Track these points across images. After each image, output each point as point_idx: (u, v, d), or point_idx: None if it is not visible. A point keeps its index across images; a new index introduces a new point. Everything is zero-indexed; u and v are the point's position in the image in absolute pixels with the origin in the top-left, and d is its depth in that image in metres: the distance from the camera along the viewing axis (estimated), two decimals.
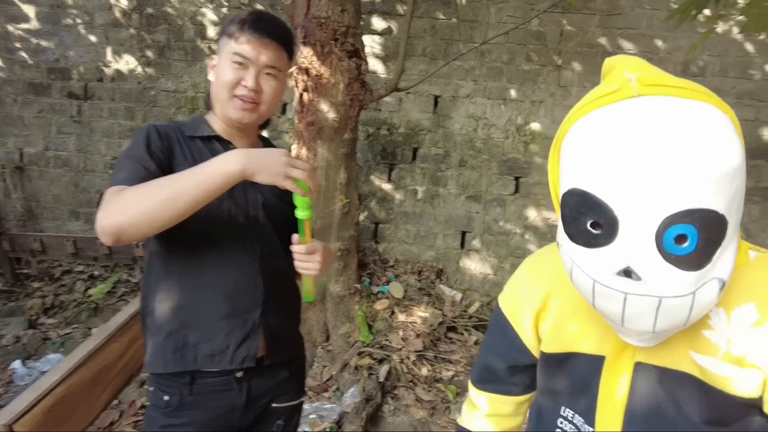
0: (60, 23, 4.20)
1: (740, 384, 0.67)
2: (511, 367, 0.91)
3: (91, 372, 1.90)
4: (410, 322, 3.26)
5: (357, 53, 2.97)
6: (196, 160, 1.13)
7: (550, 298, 0.84)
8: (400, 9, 3.88)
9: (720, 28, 3.61)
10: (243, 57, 1.12)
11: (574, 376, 0.80)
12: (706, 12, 3.47)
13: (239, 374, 1.16)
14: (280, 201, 1.20)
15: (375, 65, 3.92)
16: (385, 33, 3.93)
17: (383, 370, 2.86)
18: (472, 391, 0.97)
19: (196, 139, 1.18)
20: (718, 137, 0.59)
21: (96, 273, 4.02)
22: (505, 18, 3.78)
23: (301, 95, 2.97)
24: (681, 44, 3.64)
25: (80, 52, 4.22)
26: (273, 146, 1.34)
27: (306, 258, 1.12)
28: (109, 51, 4.19)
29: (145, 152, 1.08)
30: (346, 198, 3.07)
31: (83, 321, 3.53)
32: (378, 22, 3.93)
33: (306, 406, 2.77)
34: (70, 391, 1.74)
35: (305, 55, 2.91)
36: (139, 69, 4.18)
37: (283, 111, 4.03)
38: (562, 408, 0.83)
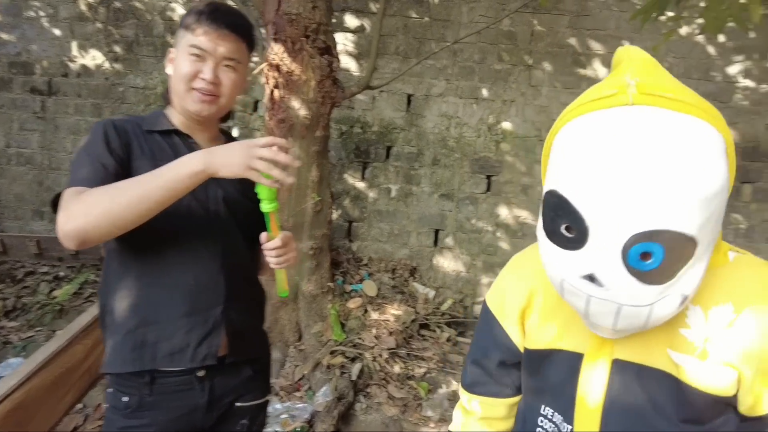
0: (22, 15, 4.06)
1: (715, 382, 0.68)
2: (501, 367, 0.91)
3: (53, 375, 1.85)
4: (383, 320, 3.26)
5: (329, 50, 2.95)
6: (155, 155, 1.12)
7: (534, 294, 0.85)
8: (373, 7, 3.88)
9: (683, 30, 3.71)
10: (200, 49, 1.11)
11: (554, 374, 0.81)
12: (670, 14, 3.57)
13: (201, 373, 1.14)
14: (242, 196, 1.19)
15: (348, 63, 3.91)
16: (358, 31, 3.92)
17: (356, 368, 2.85)
18: (464, 395, 0.96)
19: (154, 133, 1.15)
20: (703, 160, 0.58)
21: (61, 274, 3.90)
22: (477, 17, 3.81)
23: (272, 92, 2.94)
24: (647, 45, 3.72)
25: (44, 46, 4.09)
26: (234, 138, 1.33)
27: (279, 252, 1.11)
28: (74, 45, 4.08)
29: (104, 149, 1.06)
30: (318, 196, 3.05)
31: (47, 323, 3.42)
32: (351, 20, 3.91)
33: (277, 406, 2.75)
34: (29, 396, 1.69)
35: (276, 51, 2.88)
36: (107, 64, 4.08)
37: (255, 108, 3.98)
38: (543, 407, 0.83)
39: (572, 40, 3.82)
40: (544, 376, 0.83)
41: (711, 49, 3.75)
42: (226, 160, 0.95)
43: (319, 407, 2.58)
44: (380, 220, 4.02)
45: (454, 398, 2.85)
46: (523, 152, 3.89)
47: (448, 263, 4.00)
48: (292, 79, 2.88)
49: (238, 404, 1.22)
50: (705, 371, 0.68)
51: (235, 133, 3.92)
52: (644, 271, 0.60)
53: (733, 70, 3.76)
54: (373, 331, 3.17)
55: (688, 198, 0.57)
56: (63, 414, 1.91)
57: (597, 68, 3.82)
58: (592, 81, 3.82)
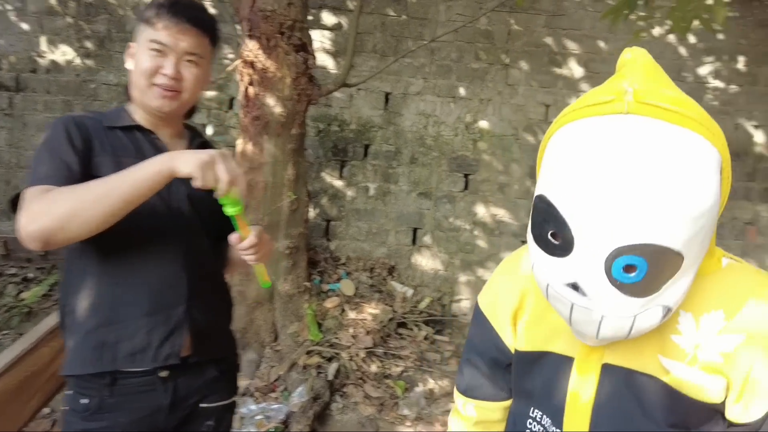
0: None
1: (705, 389, 0.68)
2: (495, 368, 0.89)
3: (17, 379, 1.79)
4: (360, 320, 3.24)
5: (304, 47, 2.93)
6: (116, 152, 1.09)
7: (526, 296, 0.84)
8: (350, 4, 3.86)
9: (656, 31, 3.77)
10: (161, 44, 1.08)
11: (544, 377, 0.81)
12: (642, 13, 3.63)
13: (164, 374, 1.12)
14: (207, 193, 1.16)
15: (325, 61, 3.88)
16: (335, 28, 3.90)
17: (332, 368, 2.83)
18: (459, 399, 0.95)
19: (116, 129, 1.12)
20: (694, 176, 0.58)
21: (30, 275, 3.80)
22: (455, 16, 3.82)
23: (246, 89, 2.91)
24: (622, 45, 3.77)
25: (11, 41, 3.98)
26: (199, 134, 1.31)
27: (254, 249, 1.09)
28: (43, 40, 3.97)
29: (66, 146, 1.03)
30: (294, 194, 3.02)
31: (14, 327, 3.33)
32: (328, 18, 3.89)
33: (253, 407, 2.72)
34: None
35: (250, 48, 2.85)
36: (78, 60, 3.98)
37: (231, 106, 3.93)
38: (532, 409, 0.82)
39: (548, 40, 3.85)
40: (534, 379, 0.82)
41: (682, 51, 3.82)
42: (190, 160, 0.94)
43: (295, 408, 2.56)
44: (358, 219, 4.01)
45: (430, 396, 2.85)
46: (500, 151, 3.91)
47: (426, 262, 4.00)
48: (267, 76, 2.85)
49: (202, 405, 1.20)
50: (695, 378, 0.68)
51: (209, 131, 3.87)
52: (627, 283, 0.60)
53: (703, 71, 3.83)
54: (351, 330, 3.15)
55: (675, 214, 0.57)
56: (28, 419, 1.86)
57: (573, 68, 3.86)
58: (568, 80, 3.86)
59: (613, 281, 0.60)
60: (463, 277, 3.97)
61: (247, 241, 1.08)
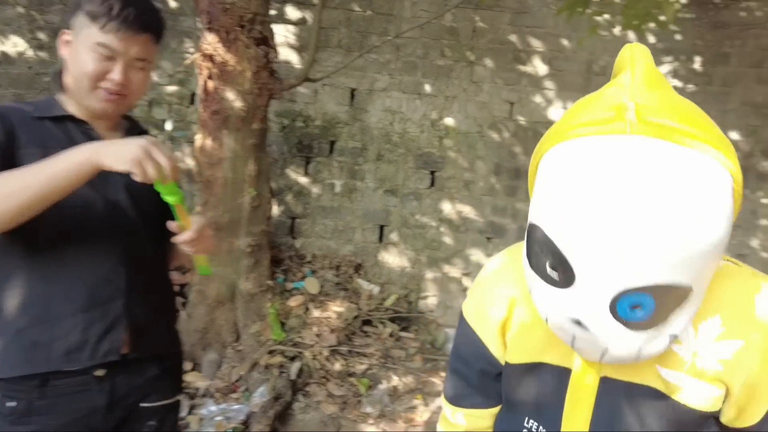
0: None
1: (703, 398, 0.67)
2: (484, 377, 0.86)
3: None
4: (325, 318, 3.21)
5: (265, 41, 2.87)
6: (45, 143, 1.03)
7: (515, 305, 0.79)
8: None
9: (617, 30, 3.83)
10: (110, 49, 1.02)
11: (540, 388, 0.78)
12: (607, 17, 3.69)
13: (100, 372, 1.06)
14: (145, 184, 1.11)
15: (289, 55, 3.83)
16: (300, 23, 3.84)
17: (294, 367, 2.79)
18: (447, 408, 0.91)
19: (45, 120, 1.06)
20: (707, 207, 0.53)
21: None
22: (419, 12, 3.81)
23: (205, 83, 2.83)
24: (585, 44, 3.83)
25: None
26: (137, 123, 1.25)
27: (194, 242, 1.05)
28: None
29: None
30: (255, 191, 2.96)
31: None
32: (292, 12, 3.83)
33: (213, 408, 2.66)
34: None
35: (210, 41, 2.78)
36: (30, 52, 3.82)
37: (192, 101, 3.84)
38: (526, 419, 0.80)
39: (513, 37, 3.88)
40: (528, 390, 0.79)
41: None
42: (117, 156, 0.89)
43: (255, 408, 2.51)
44: (324, 216, 3.96)
45: (394, 394, 2.83)
46: (466, 148, 3.92)
47: (393, 259, 3.98)
48: (226, 70, 2.78)
49: (143, 405, 1.15)
50: (694, 388, 0.67)
51: (168, 126, 3.77)
52: (633, 321, 0.58)
53: (662, 70, 3.92)
54: (314, 329, 3.11)
55: (687, 250, 0.53)
56: None
57: (537, 65, 3.89)
58: (532, 78, 3.89)
59: (619, 318, 0.58)
60: (429, 274, 3.97)
61: (186, 234, 1.04)
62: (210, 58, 2.78)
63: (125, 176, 1.10)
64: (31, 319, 1.02)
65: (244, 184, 2.93)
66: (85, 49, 1.02)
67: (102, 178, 1.07)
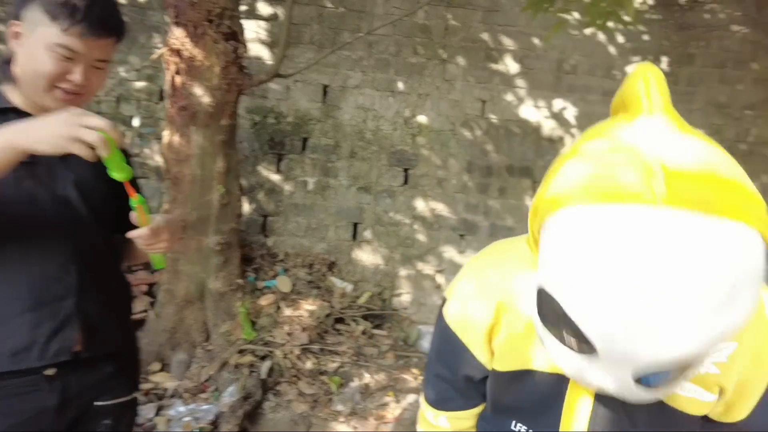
0: None
1: (700, 403, 0.68)
2: (468, 383, 0.83)
3: None
4: (297, 316, 3.18)
5: (234, 36, 2.83)
6: None
7: (502, 311, 0.75)
8: None
9: (588, 30, 3.89)
10: (71, 51, 0.98)
11: (531, 394, 0.75)
12: (577, 16, 3.73)
13: (50, 372, 1.03)
14: (96, 178, 1.07)
15: (261, 51, 3.78)
16: (271, 19, 3.80)
17: (265, 366, 2.76)
18: (429, 411, 0.88)
19: None
20: (741, 285, 0.49)
21: None
22: (392, 9, 3.81)
23: (173, 78, 2.78)
24: (556, 43, 3.87)
25: None
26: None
27: (151, 240, 1.02)
28: None
29: None
30: (224, 188, 2.92)
31: None
32: (264, 8, 3.79)
33: (181, 409, 2.61)
34: None
35: (177, 36, 2.73)
36: None
37: (161, 97, 3.76)
38: (513, 422, 0.78)
39: (485, 36, 3.90)
40: (517, 396, 0.77)
41: (612, 50, 3.96)
42: (42, 135, 0.82)
43: (224, 408, 2.47)
44: (297, 214, 3.93)
45: (366, 391, 2.82)
46: (438, 146, 3.94)
47: (366, 257, 3.97)
48: (194, 65, 2.73)
49: (97, 404, 1.12)
50: (691, 393, 0.68)
51: (135, 122, 3.69)
52: (653, 386, 0.58)
53: (631, 69, 3.98)
54: (286, 327, 3.08)
55: (719, 332, 0.50)
56: None
57: (508, 63, 3.92)
58: (504, 76, 3.92)
59: (642, 384, 0.58)
60: (403, 272, 3.97)
61: (146, 230, 1.00)
62: (177, 53, 2.73)
63: (74, 171, 1.07)
64: None
65: (213, 181, 2.89)
66: (42, 48, 0.97)
67: (47, 173, 1.04)
